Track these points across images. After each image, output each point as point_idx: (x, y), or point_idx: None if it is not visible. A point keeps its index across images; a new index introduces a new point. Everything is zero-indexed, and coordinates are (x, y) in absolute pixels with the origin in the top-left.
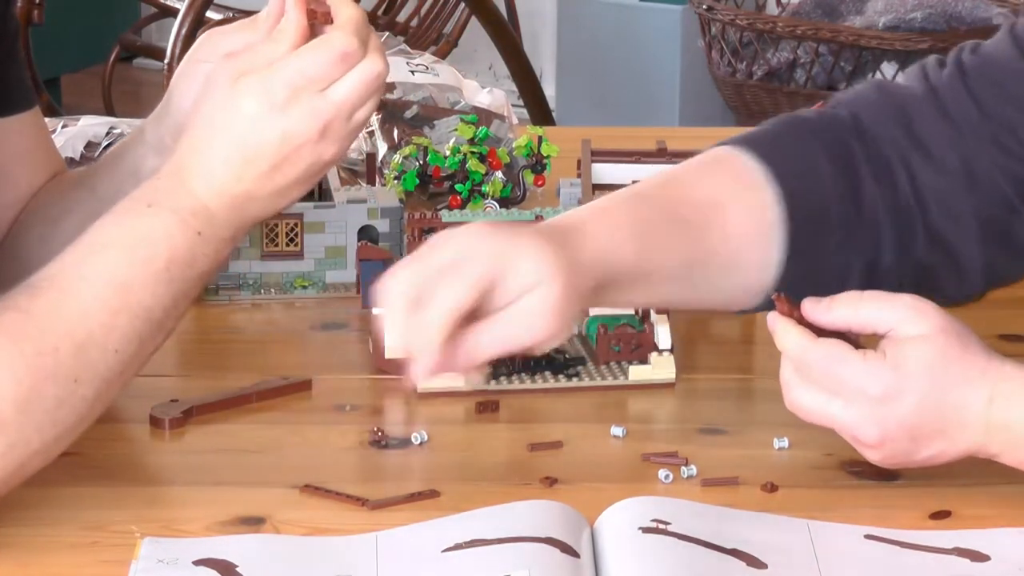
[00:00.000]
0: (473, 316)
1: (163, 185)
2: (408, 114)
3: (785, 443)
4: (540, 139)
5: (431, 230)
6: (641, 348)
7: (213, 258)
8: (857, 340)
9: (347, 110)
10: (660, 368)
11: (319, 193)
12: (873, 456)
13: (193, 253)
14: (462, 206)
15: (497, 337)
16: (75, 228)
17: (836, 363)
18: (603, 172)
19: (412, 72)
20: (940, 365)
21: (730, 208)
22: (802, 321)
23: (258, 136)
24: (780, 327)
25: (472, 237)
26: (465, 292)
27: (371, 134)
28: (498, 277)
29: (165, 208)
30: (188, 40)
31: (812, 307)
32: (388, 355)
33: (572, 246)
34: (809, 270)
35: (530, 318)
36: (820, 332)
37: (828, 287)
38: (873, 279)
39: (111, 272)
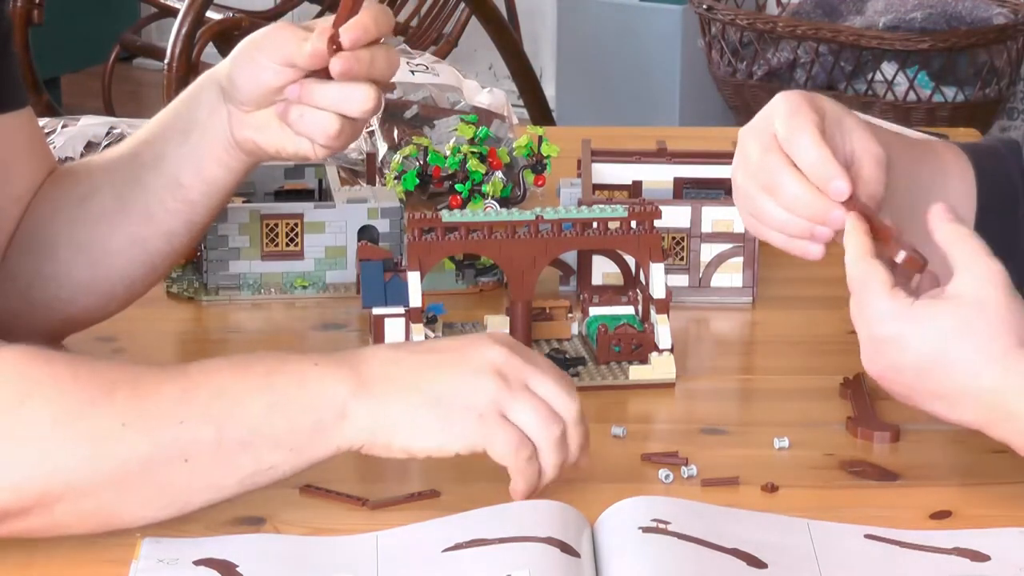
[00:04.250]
0: None
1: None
2: (408, 114)
3: (785, 443)
4: (540, 139)
5: (431, 230)
6: (641, 348)
7: (295, 442)
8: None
9: (525, 428)
10: (660, 368)
11: (319, 193)
12: (882, 384)
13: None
14: (462, 206)
15: (865, 177)
16: (106, 204)
17: (863, 288)
18: (603, 172)
19: (412, 72)
20: (956, 335)
21: (944, 154)
22: (876, 230)
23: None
24: (848, 229)
25: (780, 100)
26: (812, 117)
27: (371, 134)
28: (819, 111)
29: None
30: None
31: (936, 213)
32: None
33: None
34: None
35: (865, 143)
36: (892, 244)
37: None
38: None
39: (206, 381)
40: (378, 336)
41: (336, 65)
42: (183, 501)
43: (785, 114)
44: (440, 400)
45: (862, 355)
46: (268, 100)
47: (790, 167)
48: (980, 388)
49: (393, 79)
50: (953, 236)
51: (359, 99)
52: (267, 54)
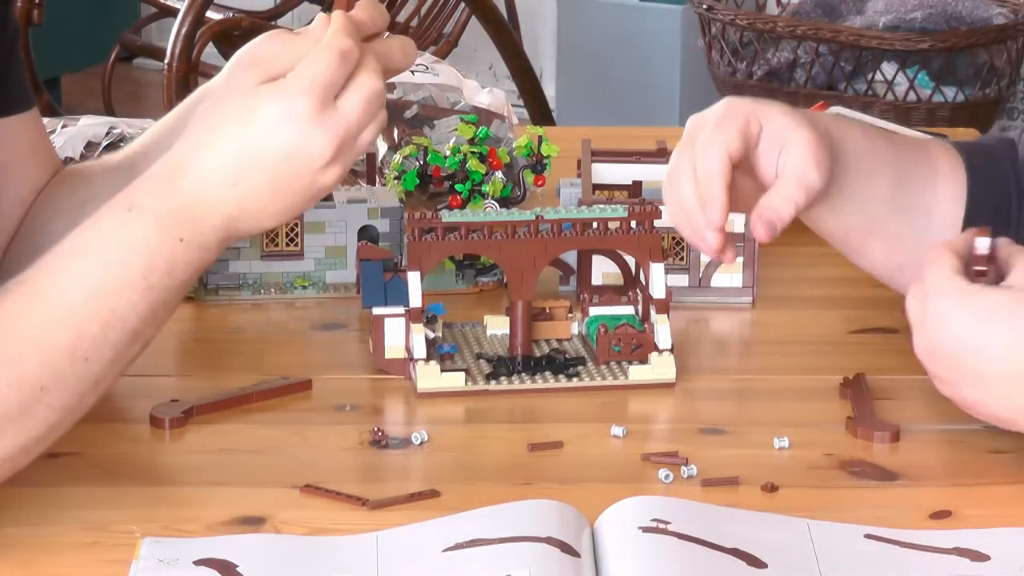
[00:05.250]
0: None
1: (149, 186)
2: (408, 114)
3: (785, 443)
4: (540, 139)
5: (431, 230)
6: (641, 348)
7: (195, 267)
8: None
9: (356, 127)
10: (660, 368)
11: None
12: (928, 368)
13: (173, 261)
14: (462, 206)
15: (779, 191)
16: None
17: (931, 269)
18: (603, 172)
19: (412, 72)
20: (992, 317)
21: (938, 154)
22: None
23: (269, 143)
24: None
25: (723, 104)
26: (733, 135)
27: None
28: (756, 125)
29: (147, 212)
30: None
31: (1001, 242)
32: None
33: (808, 115)
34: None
35: (797, 162)
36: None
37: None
38: None
39: (84, 278)
40: (378, 336)
41: None
42: (113, 380)
43: (713, 122)
44: (293, 211)
45: (914, 336)
46: None
47: (691, 173)
48: (1014, 370)
49: (393, 79)
50: (1014, 248)
51: None
52: None
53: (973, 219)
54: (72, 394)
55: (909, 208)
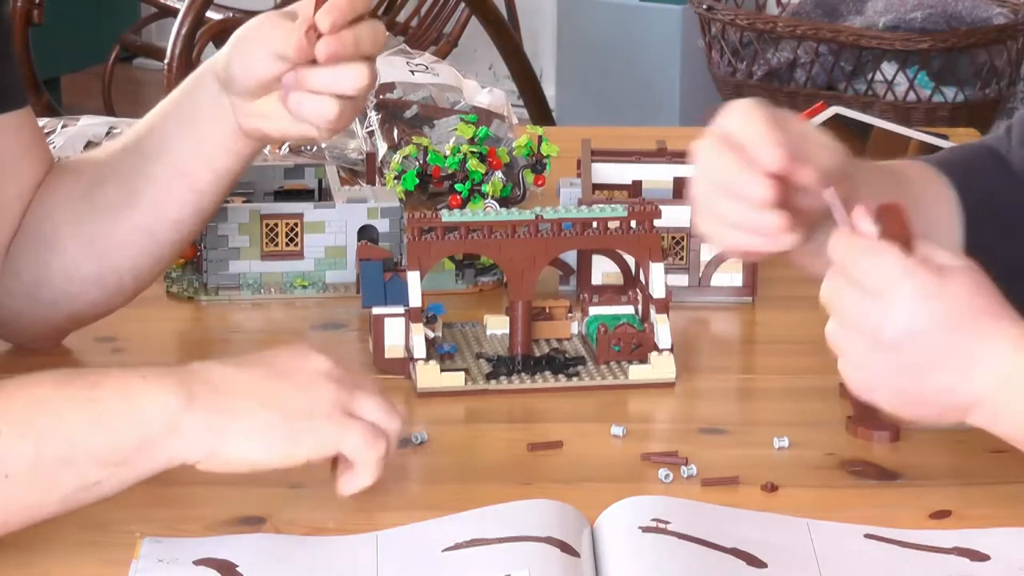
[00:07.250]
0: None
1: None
2: (408, 114)
3: (785, 443)
4: (540, 139)
5: (431, 230)
6: (641, 348)
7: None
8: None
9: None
10: (660, 368)
11: (319, 193)
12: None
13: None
14: (462, 206)
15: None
16: (112, 197)
17: (872, 255)
18: (603, 172)
19: (412, 72)
20: (980, 292)
21: (920, 176)
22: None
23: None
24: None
25: (737, 103)
26: (761, 116)
27: (371, 134)
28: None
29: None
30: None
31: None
32: None
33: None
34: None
35: (831, 151)
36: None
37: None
38: None
39: None
40: (378, 336)
41: (321, 51)
42: (0, 521)
43: (742, 112)
44: (283, 407)
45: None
46: (266, 90)
47: (748, 169)
48: (1002, 335)
49: (393, 79)
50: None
51: (352, 78)
52: (258, 47)
53: (975, 240)
54: None
55: None
